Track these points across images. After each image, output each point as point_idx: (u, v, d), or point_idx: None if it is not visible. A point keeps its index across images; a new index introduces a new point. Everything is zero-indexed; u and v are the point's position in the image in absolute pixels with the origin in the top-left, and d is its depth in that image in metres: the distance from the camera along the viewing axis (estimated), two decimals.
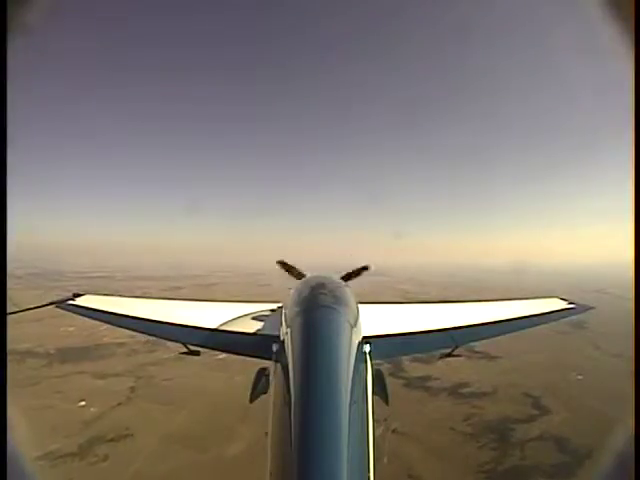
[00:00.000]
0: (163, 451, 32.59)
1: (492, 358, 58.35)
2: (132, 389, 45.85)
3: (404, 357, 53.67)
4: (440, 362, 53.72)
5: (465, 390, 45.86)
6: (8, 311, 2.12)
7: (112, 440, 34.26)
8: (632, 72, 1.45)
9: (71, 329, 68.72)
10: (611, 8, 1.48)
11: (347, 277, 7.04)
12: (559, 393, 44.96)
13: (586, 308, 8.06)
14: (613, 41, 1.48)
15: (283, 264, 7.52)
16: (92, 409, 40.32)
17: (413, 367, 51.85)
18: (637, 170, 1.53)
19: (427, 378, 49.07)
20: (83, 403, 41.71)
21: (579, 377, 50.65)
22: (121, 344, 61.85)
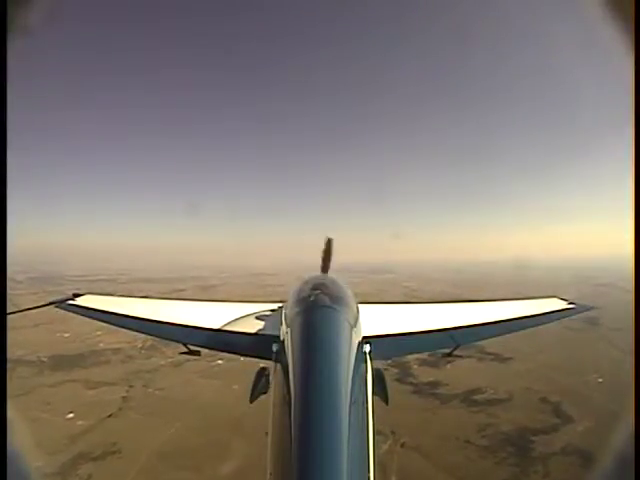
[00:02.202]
0: (151, 470, 30.04)
1: (504, 360, 55.62)
2: (124, 399, 43.49)
3: (412, 362, 51.45)
4: (450, 366, 51.81)
5: (478, 397, 42.74)
6: (8, 311, 2.01)
7: (97, 458, 31.80)
8: (632, 72, 1.44)
9: (67, 335, 67.30)
10: (611, 8, 1.46)
11: (324, 265, 6.85)
12: (579, 398, 41.83)
13: (586, 308, 8.04)
14: (613, 41, 1.48)
15: (327, 246, 7.31)
16: (80, 422, 38.03)
17: (422, 371, 49.00)
18: (637, 168, 1.52)
19: (437, 384, 46.11)
20: (71, 415, 39.47)
21: (599, 380, 47.42)
22: (117, 350, 59.93)
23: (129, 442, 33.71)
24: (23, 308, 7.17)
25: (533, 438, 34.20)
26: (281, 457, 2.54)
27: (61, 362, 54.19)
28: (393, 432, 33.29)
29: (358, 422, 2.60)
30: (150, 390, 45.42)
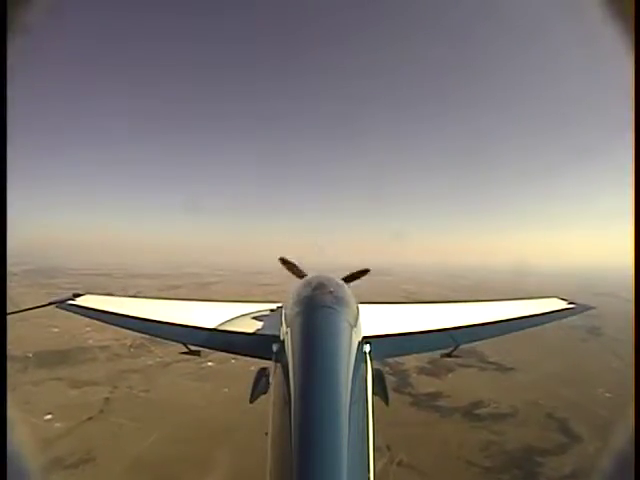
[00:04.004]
0: None
1: (507, 370, 53.43)
2: (107, 400, 41.38)
3: (411, 370, 49.46)
4: (451, 375, 49.71)
5: (480, 410, 40.32)
6: (8, 311, 2.03)
7: (70, 466, 29.65)
8: (632, 72, 1.44)
9: (55, 330, 66.05)
10: (611, 8, 1.47)
11: (348, 279, 6.77)
12: (587, 414, 39.45)
13: (586, 308, 7.87)
14: (613, 41, 1.49)
15: (285, 261, 7.42)
16: (58, 424, 35.99)
17: (421, 381, 46.80)
18: (637, 170, 1.51)
19: (437, 395, 43.74)
20: (50, 417, 37.39)
21: (607, 395, 45.04)
22: (105, 348, 58.24)
23: (106, 449, 31.59)
24: (23, 308, 7.17)
25: (540, 459, 31.79)
26: (281, 457, 2.52)
27: (47, 359, 52.41)
28: (389, 447, 30.99)
29: (358, 422, 2.59)
30: (134, 392, 43.26)
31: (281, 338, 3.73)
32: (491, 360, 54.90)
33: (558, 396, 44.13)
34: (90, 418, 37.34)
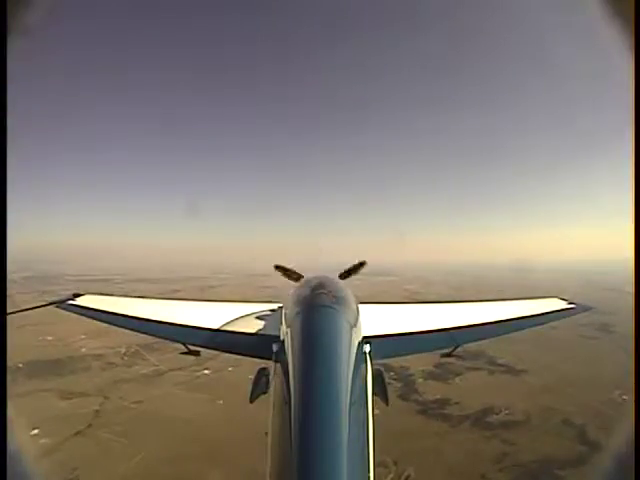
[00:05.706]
0: None
1: (517, 373, 51.22)
2: (97, 413, 39.51)
3: (417, 375, 47.34)
4: (458, 379, 47.44)
5: (492, 418, 37.94)
6: (8, 311, 2.03)
7: None
8: (632, 72, 1.46)
9: (49, 338, 64.82)
10: (611, 8, 1.49)
11: (345, 275, 6.95)
12: (606, 420, 36.96)
13: (586, 308, 7.77)
14: (613, 41, 1.51)
15: (280, 268, 7.29)
16: (43, 440, 33.92)
17: (427, 387, 44.50)
18: (637, 169, 1.52)
19: (445, 402, 41.41)
20: (36, 432, 35.42)
21: (624, 397, 42.67)
22: (98, 356, 56.69)
23: (91, 468, 29.72)
24: (23, 308, 7.10)
25: (559, 472, 29.37)
26: (281, 457, 2.53)
27: (38, 369, 50.76)
28: (396, 462, 28.76)
29: (358, 422, 2.57)
30: (126, 403, 41.25)
31: (281, 338, 3.74)
32: (500, 362, 52.81)
33: (573, 400, 41.94)
34: (78, 433, 35.53)
